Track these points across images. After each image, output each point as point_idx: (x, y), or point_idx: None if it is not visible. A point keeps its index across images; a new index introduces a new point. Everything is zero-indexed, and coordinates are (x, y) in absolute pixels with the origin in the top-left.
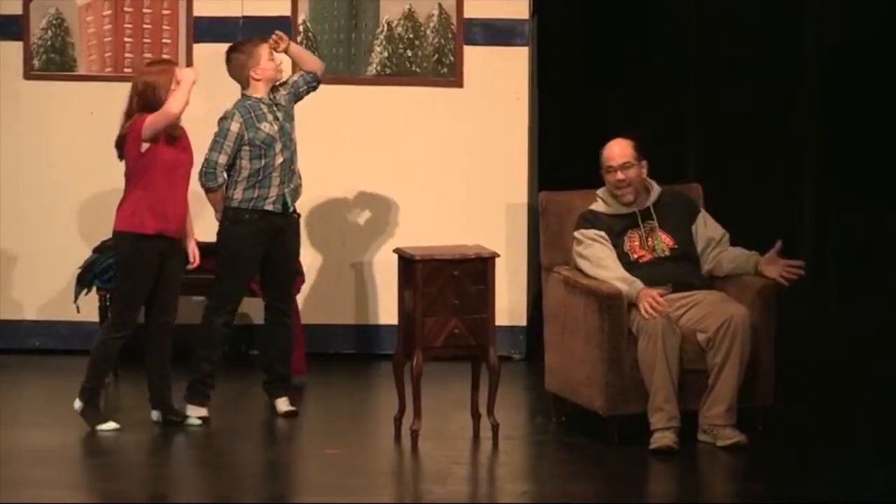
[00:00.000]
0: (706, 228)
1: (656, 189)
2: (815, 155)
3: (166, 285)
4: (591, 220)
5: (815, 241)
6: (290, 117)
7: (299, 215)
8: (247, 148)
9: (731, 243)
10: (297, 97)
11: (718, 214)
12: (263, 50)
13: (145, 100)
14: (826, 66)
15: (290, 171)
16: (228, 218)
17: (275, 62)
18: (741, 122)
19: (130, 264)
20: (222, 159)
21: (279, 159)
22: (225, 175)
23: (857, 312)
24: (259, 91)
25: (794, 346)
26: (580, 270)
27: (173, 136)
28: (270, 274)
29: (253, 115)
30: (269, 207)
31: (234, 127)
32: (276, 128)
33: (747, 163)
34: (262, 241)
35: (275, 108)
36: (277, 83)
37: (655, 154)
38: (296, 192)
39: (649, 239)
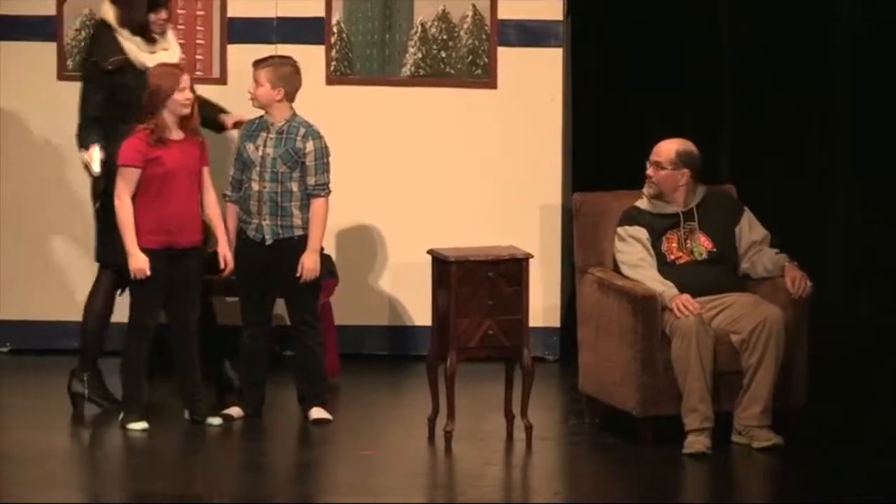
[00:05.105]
0: (750, 231)
1: (701, 190)
2: (848, 155)
3: (175, 289)
4: (634, 216)
5: (847, 241)
6: (289, 156)
7: (301, 235)
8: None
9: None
10: (294, 160)
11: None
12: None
13: (148, 100)
14: (859, 65)
15: (274, 205)
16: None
17: (272, 92)
18: (774, 122)
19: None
20: (231, 171)
21: (255, 186)
22: (233, 193)
23: (889, 313)
24: (272, 111)
25: (826, 345)
26: (617, 268)
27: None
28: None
29: (250, 131)
30: (250, 234)
31: (237, 142)
32: (259, 153)
33: (780, 163)
34: (261, 256)
35: (272, 136)
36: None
37: None
38: (282, 230)
39: (688, 241)
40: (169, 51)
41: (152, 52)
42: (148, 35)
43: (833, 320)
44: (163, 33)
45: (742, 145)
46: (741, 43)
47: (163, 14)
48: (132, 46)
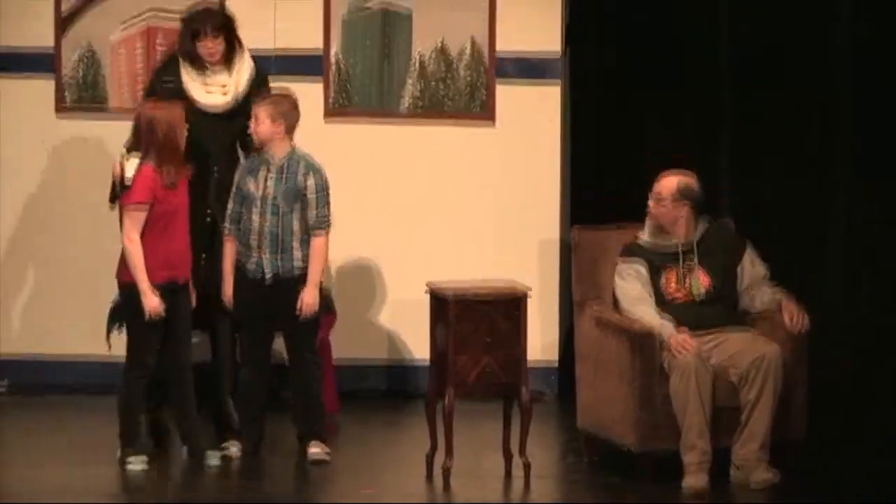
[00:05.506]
0: (753, 268)
1: (702, 224)
2: (848, 155)
3: (172, 324)
4: (634, 250)
5: (847, 242)
6: (291, 193)
7: (301, 271)
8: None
9: (765, 243)
10: (295, 195)
11: (751, 218)
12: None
13: (142, 135)
14: (859, 65)
15: (275, 240)
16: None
17: (272, 128)
18: (774, 122)
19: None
20: (229, 206)
21: (255, 222)
22: (232, 226)
23: (889, 313)
24: (272, 147)
25: (826, 346)
26: (616, 302)
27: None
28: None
29: (250, 167)
30: (249, 268)
31: (236, 176)
32: (259, 190)
33: (780, 163)
34: (260, 292)
35: (273, 173)
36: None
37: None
38: (282, 266)
39: (686, 279)
40: (227, 96)
41: (206, 86)
42: (198, 64)
43: (833, 320)
44: (226, 64)
45: (742, 145)
46: (741, 43)
47: (208, 43)
48: (186, 75)
